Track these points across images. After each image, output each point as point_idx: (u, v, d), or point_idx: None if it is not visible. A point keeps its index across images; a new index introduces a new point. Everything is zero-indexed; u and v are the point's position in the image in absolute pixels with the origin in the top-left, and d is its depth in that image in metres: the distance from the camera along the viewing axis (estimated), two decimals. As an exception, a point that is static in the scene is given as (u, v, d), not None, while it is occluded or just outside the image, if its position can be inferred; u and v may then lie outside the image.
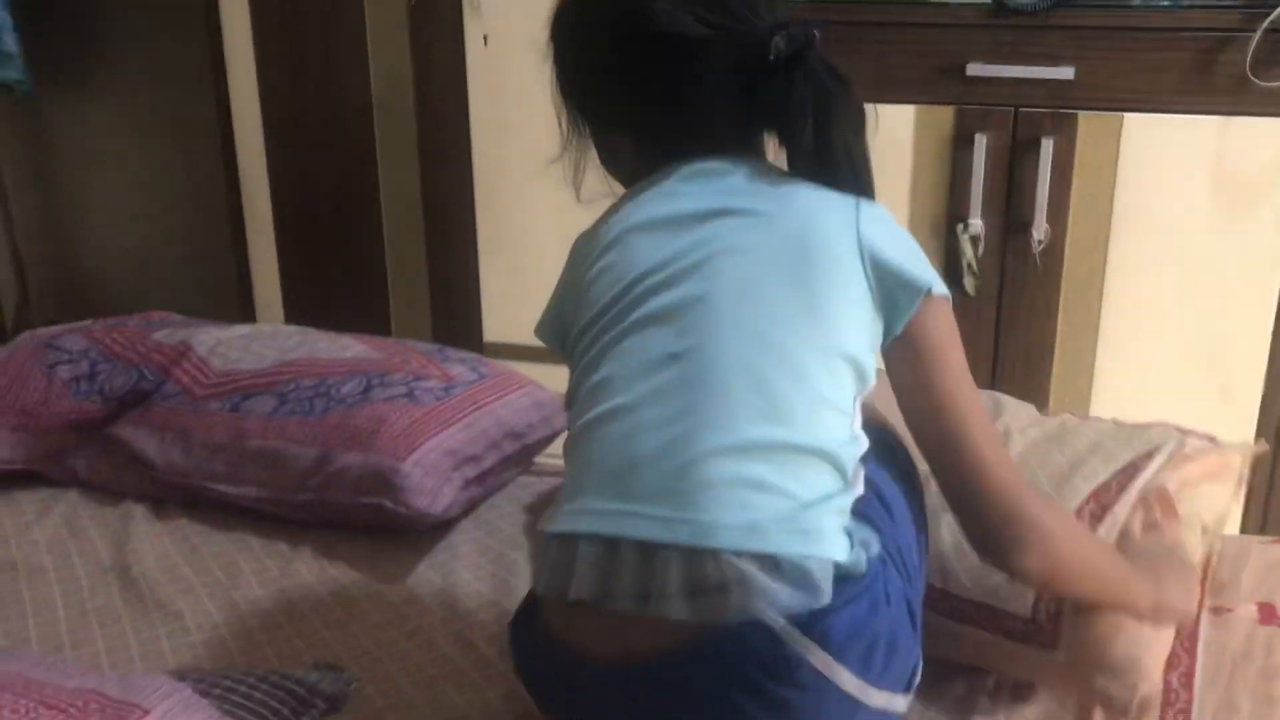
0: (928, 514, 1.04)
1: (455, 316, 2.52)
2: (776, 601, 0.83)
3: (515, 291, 2.46)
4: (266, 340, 1.62)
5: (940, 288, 0.95)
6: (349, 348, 1.60)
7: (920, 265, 0.95)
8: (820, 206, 0.94)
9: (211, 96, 2.52)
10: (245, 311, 2.62)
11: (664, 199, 0.98)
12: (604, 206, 1.07)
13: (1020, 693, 1.16)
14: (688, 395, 0.89)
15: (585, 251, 1.00)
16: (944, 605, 1.13)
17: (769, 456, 0.88)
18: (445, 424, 1.47)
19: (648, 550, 0.85)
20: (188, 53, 2.74)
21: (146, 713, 0.92)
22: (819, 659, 0.84)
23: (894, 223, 0.97)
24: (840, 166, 0.95)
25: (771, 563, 0.84)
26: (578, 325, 0.97)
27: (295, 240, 2.57)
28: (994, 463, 0.95)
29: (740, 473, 0.86)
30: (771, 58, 0.93)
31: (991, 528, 0.94)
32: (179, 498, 1.51)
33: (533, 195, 2.36)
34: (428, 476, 1.41)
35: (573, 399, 0.96)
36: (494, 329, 2.50)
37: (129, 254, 3.14)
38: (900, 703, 0.91)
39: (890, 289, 0.94)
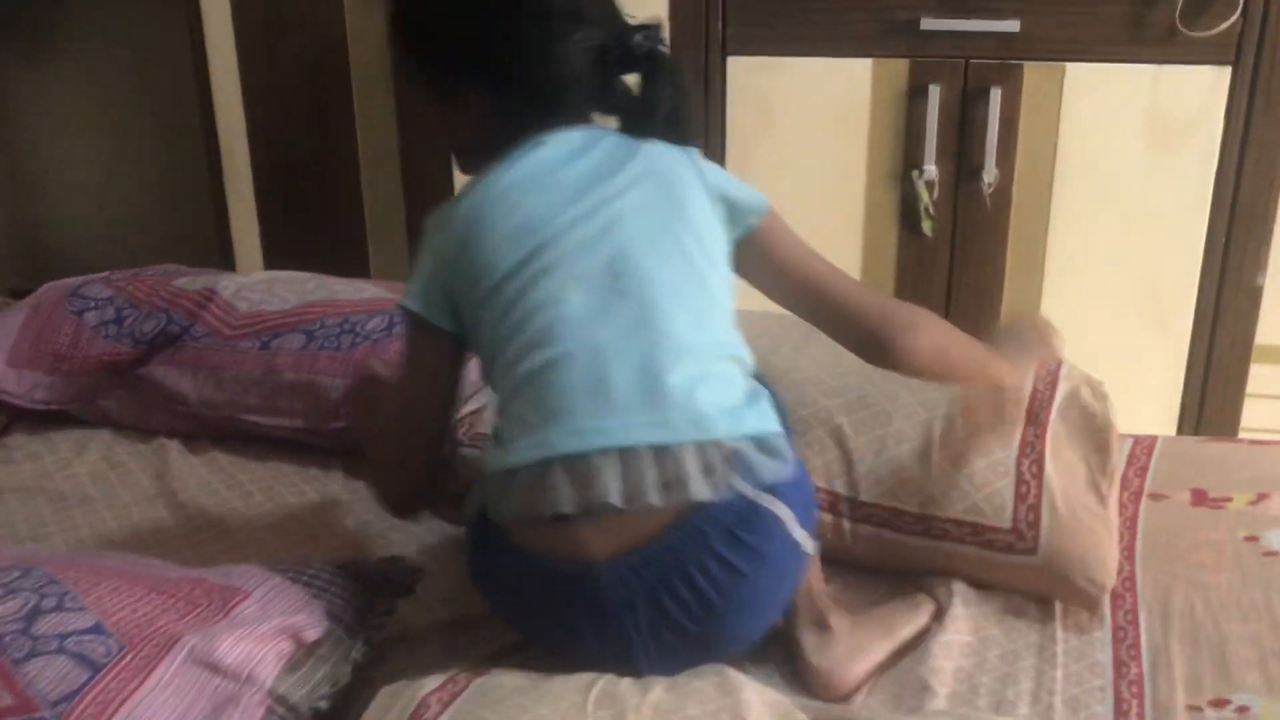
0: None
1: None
2: (761, 472, 1.04)
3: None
4: (285, 284, 1.72)
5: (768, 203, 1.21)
6: (364, 289, 1.71)
7: (749, 189, 1.20)
8: (672, 161, 1.16)
9: (187, 54, 2.57)
10: (225, 268, 2.69)
11: (547, 166, 1.14)
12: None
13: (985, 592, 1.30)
14: (641, 324, 1.07)
15: (467, 221, 1.13)
16: (921, 527, 1.29)
17: (715, 361, 1.09)
18: (465, 355, 1.59)
19: (661, 450, 1.02)
20: (160, 12, 2.79)
21: (248, 595, 1.04)
22: (784, 513, 1.05)
23: (714, 163, 1.20)
24: (685, 130, 1.19)
25: (754, 441, 1.05)
26: (482, 286, 1.10)
27: (274, 196, 2.64)
28: (857, 288, 1.24)
29: (704, 376, 1.07)
30: (637, 54, 1.15)
31: (876, 331, 1.18)
32: (211, 432, 1.61)
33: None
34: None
35: (500, 348, 1.09)
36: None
37: (102, 216, 3.18)
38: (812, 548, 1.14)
39: (734, 213, 1.18)
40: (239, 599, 1.04)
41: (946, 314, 2.29)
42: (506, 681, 0.89)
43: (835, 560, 1.28)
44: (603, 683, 0.88)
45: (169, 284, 1.73)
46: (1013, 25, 2.08)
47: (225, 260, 2.70)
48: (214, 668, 0.96)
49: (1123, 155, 2.11)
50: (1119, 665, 1.18)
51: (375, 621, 1.12)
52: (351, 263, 2.62)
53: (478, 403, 1.52)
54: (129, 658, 0.93)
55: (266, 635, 1.00)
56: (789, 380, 1.38)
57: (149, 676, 0.92)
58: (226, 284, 1.70)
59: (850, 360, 1.42)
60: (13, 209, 3.23)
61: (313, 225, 2.64)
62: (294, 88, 2.53)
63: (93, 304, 1.69)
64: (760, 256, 1.20)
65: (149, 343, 1.64)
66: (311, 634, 1.04)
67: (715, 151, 2.32)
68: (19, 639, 0.92)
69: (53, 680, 0.89)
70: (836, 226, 2.32)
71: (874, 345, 1.18)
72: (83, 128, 3.14)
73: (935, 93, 2.15)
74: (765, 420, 1.08)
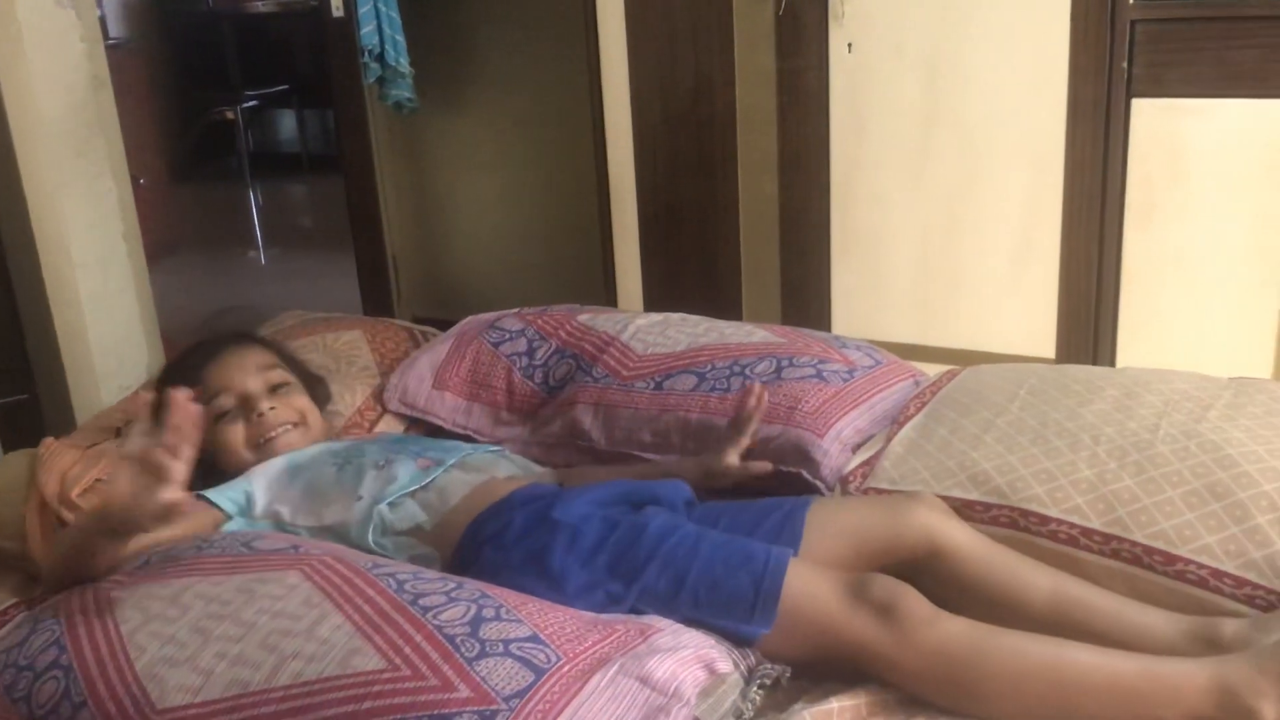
0: None
1: (806, 314, 2.64)
2: None
3: (864, 288, 2.56)
4: (677, 326, 1.78)
5: None
6: (753, 333, 1.74)
7: None
8: None
9: (586, 109, 2.74)
10: (609, 302, 2.83)
11: None
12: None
13: None
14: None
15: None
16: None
17: None
18: (853, 404, 1.58)
19: None
20: (562, 69, 2.99)
21: (660, 630, 1.09)
22: None
23: None
24: None
25: None
26: None
27: (657, 236, 2.75)
28: None
29: None
30: None
31: None
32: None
33: (887, 195, 2.45)
34: (841, 453, 1.52)
35: None
36: (842, 325, 2.60)
37: (496, 253, 3.44)
38: None
39: None
40: (653, 631, 1.08)
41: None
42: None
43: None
44: None
45: (573, 319, 1.83)
46: None
47: (609, 294, 2.84)
48: (644, 680, 1.01)
49: None
50: None
51: (763, 671, 1.13)
52: (725, 302, 2.69)
53: (870, 451, 1.51)
54: (567, 666, 1.00)
55: (686, 660, 1.04)
56: (1220, 454, 1.28)
57: (586, 683, 0.99)
58: (625, 325, 1.78)
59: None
60: (421, 243, 3.55)
61: (691, 265, 2.73)
62: (681, 132, 2.63)
63: (508, 335, 1.82)
64: None
65: (559, 385, 1.74)
66: (723, 665, 1.07)
67: (1114, 199, 2.20)
68: (469, 641, 1.01)
69: (504, 678, 0.97)
70: (1250, 281, 2.14)
71: None
72: (484, 170, 3.41)
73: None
74: None
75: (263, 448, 1.53)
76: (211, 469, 1.52)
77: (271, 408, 1.55)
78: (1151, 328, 2.27)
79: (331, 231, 4.43)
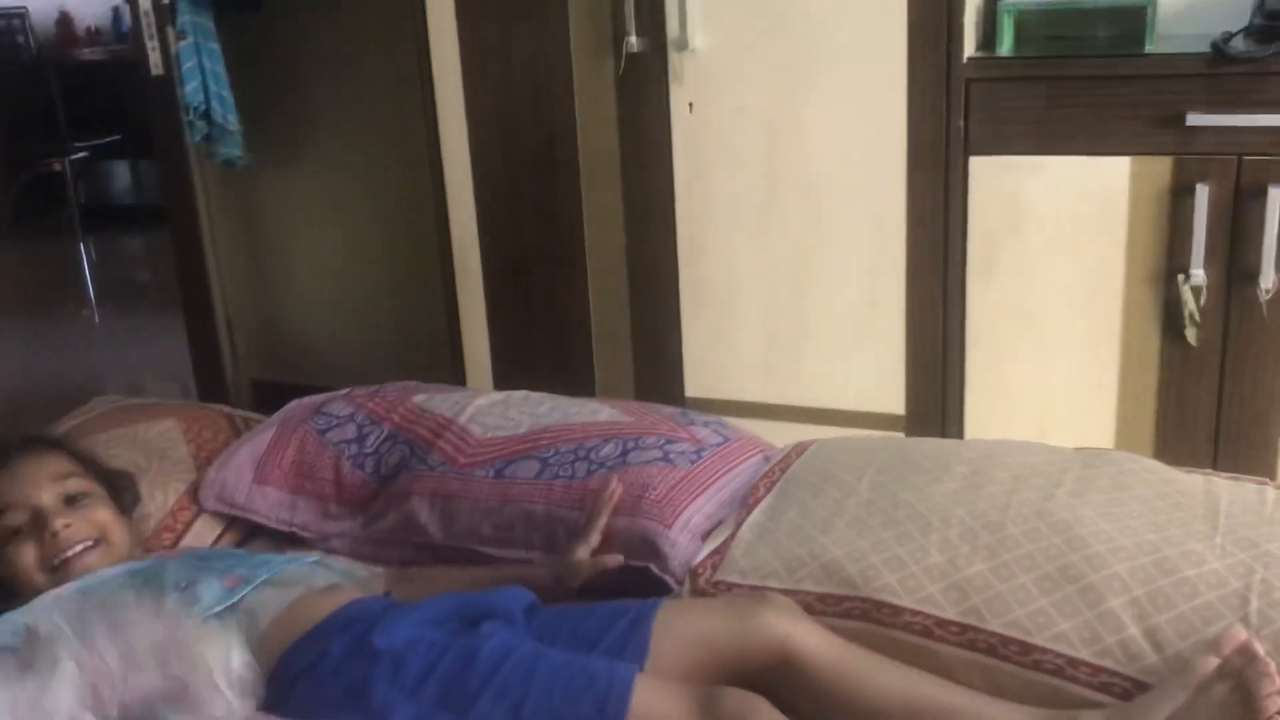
0: None
1: (658, 373, 2.58)
2: None
3: (716, 347, 2.51)
4: (519, 406, 1.70)
5: None
6: (598, 411, 1.67)
7: None
8: None
9: (424, 165, 2.65)
10: (456, 370, 2.73)
11: None
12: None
13: None
14: None
15: None
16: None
17: None
18: (701, 488, 1.51)
19: None
20: (399, 126, 2.89)
21: None
22: None
23: None
24: None
25: None
26: None
27: (504, 299, 2.66)
28: None
29: None
30: None
31: None
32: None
33: (735, 253, 2.41)
34: (690, 543, 1.45)
35: None
36: (695, 385, 2.55)
37: (339, 312, 3.30)
38: None
39: None
40: None
41: (1216, 429, 2.11)
42: None
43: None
44: None
45: (407, 401, 1.73)
46: (1294, 119, 1.90)
47: (455, 352, 2.73)
48: None
49: None
50: None
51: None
52: (575, 360, 2.61)
53: (720, 538, 1.45)
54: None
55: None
56: (1071, 535, 1.25)
57: None
58: (463, 407, 1.69)
59: (1138, 507, 1.29)
60: (258, 303, 3.39)
61: (539, 322, 2.65)
62: (524, 183, 2.55)
63: (335, 421, 1.71)
64: None
65: (392, 474, 1.63)
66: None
67: (956, 255, 2.21)
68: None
69: None
70: (1091, 333, 2.17)
71: None
72: (323, 226, 3.28)
73: (1204, 192, 1.98)
74: None
75: (58, 570, 1.38)
76: (4, 593, 1.37)
77: (66, 525, 1.40)
78: (998, 381, 2.28)
79: (169, 287, 4.23)
